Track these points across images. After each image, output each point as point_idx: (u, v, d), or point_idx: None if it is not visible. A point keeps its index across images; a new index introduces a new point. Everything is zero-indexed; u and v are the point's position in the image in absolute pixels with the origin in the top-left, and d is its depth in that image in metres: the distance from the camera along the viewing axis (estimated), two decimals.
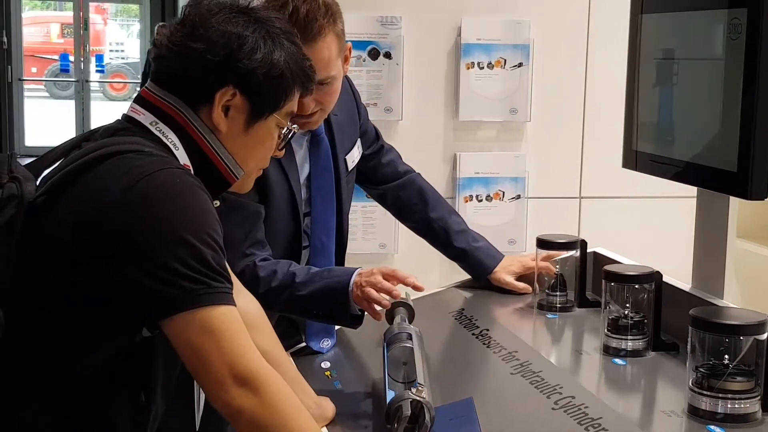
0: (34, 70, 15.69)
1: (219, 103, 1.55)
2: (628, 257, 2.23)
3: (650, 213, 3.36)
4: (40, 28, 17.21)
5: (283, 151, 1.70)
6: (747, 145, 1.73)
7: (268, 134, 1.62)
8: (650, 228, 3.33)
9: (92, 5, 14.86)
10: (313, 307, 2.00)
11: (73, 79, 13.17)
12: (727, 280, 3.33)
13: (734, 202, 3.25)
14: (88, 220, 1.43)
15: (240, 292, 1.80)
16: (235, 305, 1.45)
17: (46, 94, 15.97)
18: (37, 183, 1.52)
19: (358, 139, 2.29)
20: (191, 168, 1.55)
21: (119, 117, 1.61)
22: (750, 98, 1.72)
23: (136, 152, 1.48)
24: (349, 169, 2.24)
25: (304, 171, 2.12)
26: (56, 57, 15.22)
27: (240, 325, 1.44)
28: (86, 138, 1.59)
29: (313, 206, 2.13)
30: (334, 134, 2.17)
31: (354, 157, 2.26)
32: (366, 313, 2.00)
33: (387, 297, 1.92)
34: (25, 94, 12.43)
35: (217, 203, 1.62)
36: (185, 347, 1.41)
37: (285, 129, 1.64)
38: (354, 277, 1.96)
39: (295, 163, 2.08)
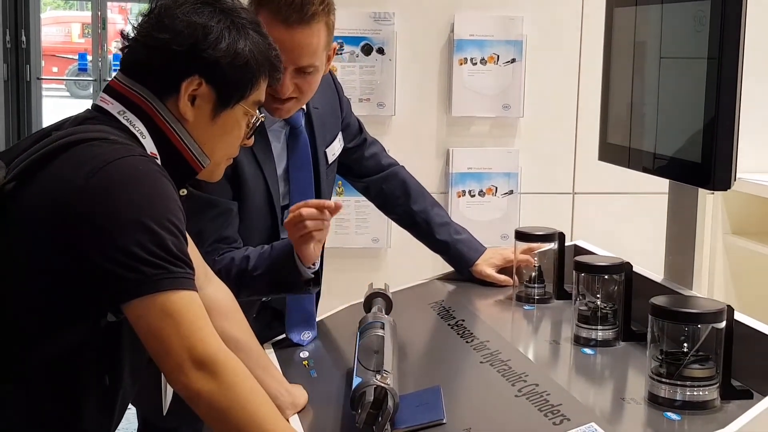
0: (55, 69, 15.83)
1: (185, 92, 1.59)
2: (621, 253, 2.20)
3: (644, 209, 3.35)
4: (61, 28, 17.35)
5: (252, 139, 1.73)
6: (710, 136, 1.74)
7: (235, 123, 1.65)
8: (644, 224, 3.31)
9: (115, 6, 14.97)
10: (269, 284, 2.04)
11: (90, 78, 13.26)
12: (719, 275, 3.35)
13: (722, 196, 3.28)
14: (53, 205, 1.46)
15: (211, 280, 1.83)
16: (195, 290, 1.47)
17: (67, 93, 16.09)
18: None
19: (340, 133, 2.31)
20: (158, 157, 1.58)
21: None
22: (713, 89, 1.73)
23: (101, 140, 1.52)
24: (329, 162, 2.26)
25: (282, 164, 2.14)
26: (76, 57, 15.34)
27: (200, 309, 1.46)
28: (57, 127, 1.63)
29: (291, 199, 2.15)
30: (314, 127, 2.20)
31: (335, 150, 2.28)
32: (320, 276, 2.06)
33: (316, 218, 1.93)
34: (46, 93, 12.52)
35: (184, 192, 1.65)
36: (145, 331, 1.44)
37: (253, 118, 1.67)
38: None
39: (271, 157, 2.11)
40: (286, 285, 2.03)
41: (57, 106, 13.79)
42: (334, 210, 1.94)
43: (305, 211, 1.92)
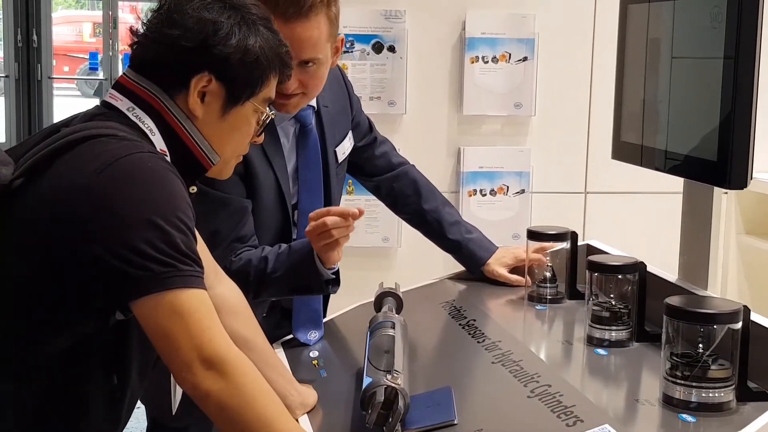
0: (66, 69, 15.85)
1: (195, 89, 1.57)
2: (633, 254, 2.17)
3: (656, 209, 3.33)
4: (72, 28, 17.38)
5: (262, 137, 1.71)
6: (727, 134, 1.72)
7: (245, 120, 1.64)
8: (655, 224, 3.30)
9: (127, 5, 14.99)
10: (289, 286, 2.03)
11: (101, 77, 13.29)
12: (732, 276, 3.32)
13: (735, 196, 3.25)
14: (60, 201, 1.45)
15: (221, 279, 1.82)
16: (204, 289, 1.46)
17: (78, 92, 16.11)
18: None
19: (350, 131, 2.29)
20: (167, 154, 1.57)
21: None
22: (729, 87, 1.71)
23: (110, 136, 1.50)
24: (340, 161, 2.24)
25: (291, 162, 2.12)
26: (87, 56, 15.38)
27: (209, 308, 1.45)
28: (66, 124, 1.61)
29: (300, 198, 2.14)
30: (323, 126, 2.18)
31: (345, 148, 2.26)
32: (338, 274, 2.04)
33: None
34: (57, 92, 12.53)
35: (194, 189, 1.64)
36: (154, 329, 1.43)
37: (263, 115, 1.66)
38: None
39: (282, 154, 2.09)
40: (307, 287, 2.03)
41: (68, 105, 13.82)
42: (358, 216, 1.93)
43: (330, 219, 1.91)
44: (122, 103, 1.58)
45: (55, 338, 1.48)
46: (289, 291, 2.07)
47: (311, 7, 1.93)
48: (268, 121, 1.67)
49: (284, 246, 2.03)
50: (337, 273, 2.03)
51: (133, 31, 1.61)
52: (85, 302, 1.46)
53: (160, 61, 1.58)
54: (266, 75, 1.61)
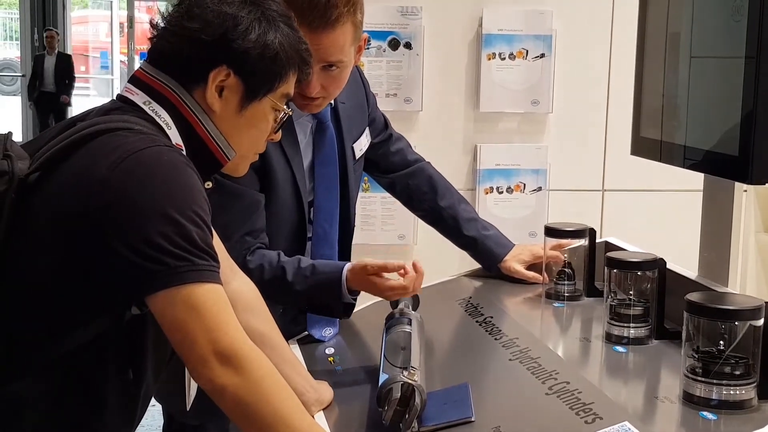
0: (82, 68, 15.93)
1: (213, 83, 1.56)
2: (651, 251, 2.16)
3: (675, 206, 3.31)
4: (88, 27, 17.46)
5: (279, 134, 1.70)
6: (749, 129, 1.70)
7: (262, 116, 1.63)
8: (675, 222, 3.28)
9: (144, 5, 15.07)
10: (306, 301, 2.03)
11: (111, 76, 13.36)
12: (750, 274, 3.29)
13: (754, 194, 3.22)
14: (77, 195, 1.44)
15: (236, 274, 1.81)
16: (220, 284, 1.45)
17: (95, 91, 16.19)
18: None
19: (367, 128, 2.28)
20: (183, 148, 1.56)
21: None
22: (751, 81, 1.68)
23: (126, 130, 1.49)
24: (357, 157, 2.23)
25: (307, 159, 2.11)
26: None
27: (224, 303, 1.44)
28: (81, 118, 1.61)
29: (316, 194, 2.12)
30: (341, 122, 2.17)
31: (362, 145, 2.25)
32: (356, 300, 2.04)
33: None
34: (74, 92, 12.59)
35: (209, 184, 1.63)
36: (169, 324, 1.42)
37: (281, 113, 1.65)
38: (346, 272, 1.99)
39: (299, 151, 2.08)
40: (325, 308, 2.04)
41: (82, 103, 13.88)
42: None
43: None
44: (138, 97, 1.57)
45: (71, 333, 1.47)
46: (303, 306, 2.08)
47: (338, 17, 1.92)
48: (285, 119, 1.66)
49: (307, 261, 2.03)
50: (355, 298, 2.04)
51: (153, 24, 1.60)
52: (101, 296, 1.46)
53: (179, 54, 1.56)
54: (285, 71, 1.60)
